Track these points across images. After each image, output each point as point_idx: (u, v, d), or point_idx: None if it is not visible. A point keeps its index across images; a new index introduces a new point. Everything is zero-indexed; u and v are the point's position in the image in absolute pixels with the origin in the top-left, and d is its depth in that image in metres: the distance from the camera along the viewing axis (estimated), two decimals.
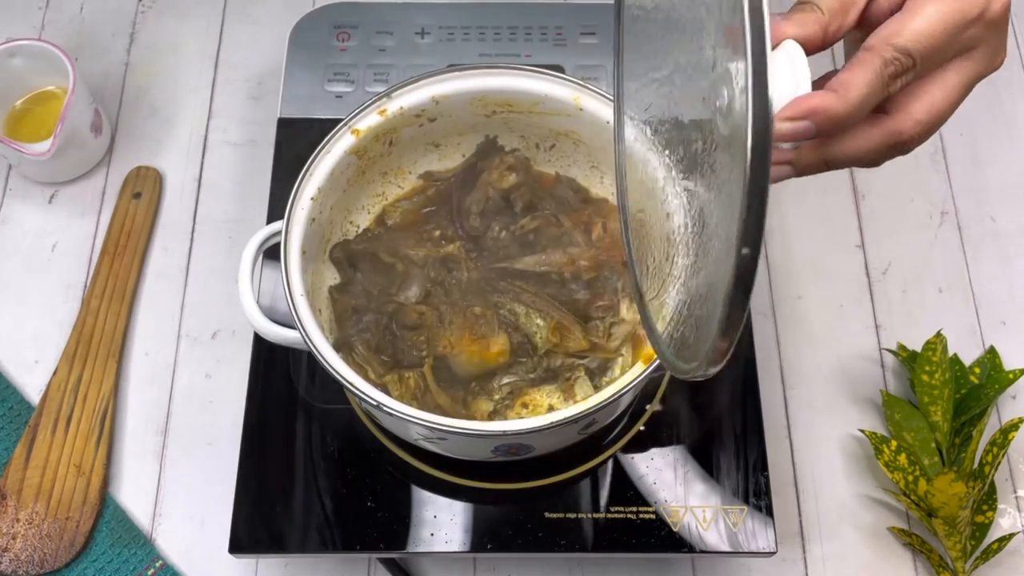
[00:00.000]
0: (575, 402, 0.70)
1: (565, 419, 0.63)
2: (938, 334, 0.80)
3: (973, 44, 0.49)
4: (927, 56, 0.47)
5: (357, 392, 0.64)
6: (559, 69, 0.91)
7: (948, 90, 0.49)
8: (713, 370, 0.45)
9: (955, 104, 0.50)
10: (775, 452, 0.82)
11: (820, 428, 0.84)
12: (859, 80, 0.46)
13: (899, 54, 0.46)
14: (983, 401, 0.80)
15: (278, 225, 0.70)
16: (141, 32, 1.01)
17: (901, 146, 0.50)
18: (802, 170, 0.50)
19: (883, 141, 0.49)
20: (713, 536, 0.73)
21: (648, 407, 0.79)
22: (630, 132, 0.58)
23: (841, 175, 0.95)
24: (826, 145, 0.49)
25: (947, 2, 0.47)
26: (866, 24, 0.49)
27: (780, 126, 0.46)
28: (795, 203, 0.93)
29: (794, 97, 0.46)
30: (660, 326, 0.54)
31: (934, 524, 0.76)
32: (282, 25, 0.93)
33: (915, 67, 0.47)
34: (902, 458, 0.78)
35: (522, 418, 0.71)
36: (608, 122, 0.73)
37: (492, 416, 0.72)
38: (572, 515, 0.74)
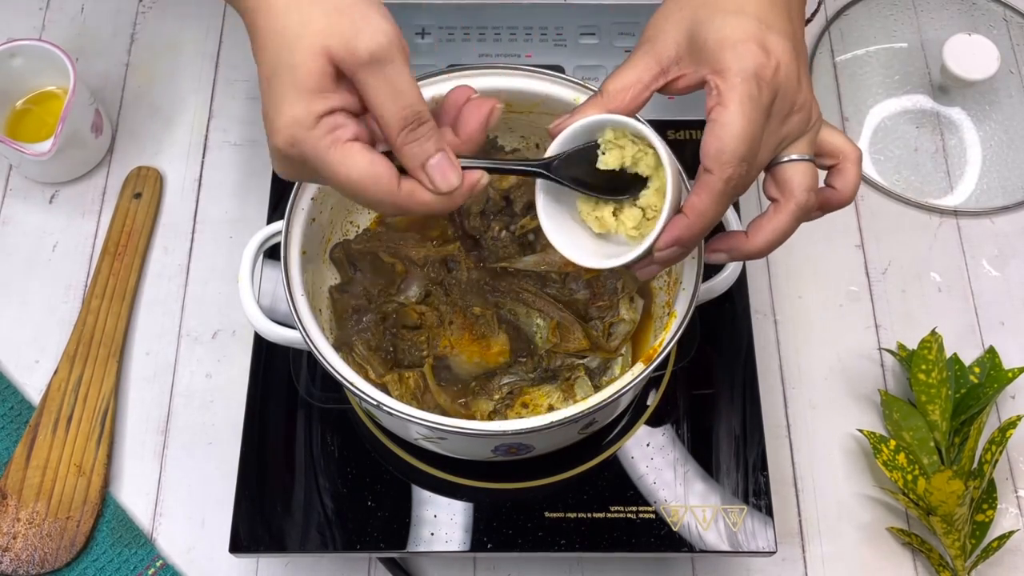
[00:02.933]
0: (575, 402, 0.70)
1: (565, 419, 0.63)
2: (933, 332, 0.80)
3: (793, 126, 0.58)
4: (752, 152, 0.55)
5: (357, 392, 0.64)
6: (559, 69, 0.91)
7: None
8: None
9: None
10: (775, 452, 0.82)
11: (820, 428, 0.84)
12: (706, 204, 0.55)
13: (732, 167, 0.54)
14: (982, 400, 0.80)
15: (278, 225, 0.70)
16: (141, 32, 1.01)
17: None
18: (668, 266, 0.62)
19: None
20: (713, 536, 0.73)
21: (648, 407, 0.79)
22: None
23: None
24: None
25: (741, 102, 0.54)
26: (668, 93, 0.60)
27: (658, 255, 0.57)
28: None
29: (660, 227, 0.56)
30: None
31: (933, 523, 0.76)
32: None
33: (749, 167, 0.55)
34: (901, 457, 0.78)
35: (522, 418, 0.71)
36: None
37: (492, 416, 0.72)
38: (572, 515, 0.74)
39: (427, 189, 0.54)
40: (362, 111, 0.54)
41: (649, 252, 0.58)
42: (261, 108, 0.54)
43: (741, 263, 0.72)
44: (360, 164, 0.52)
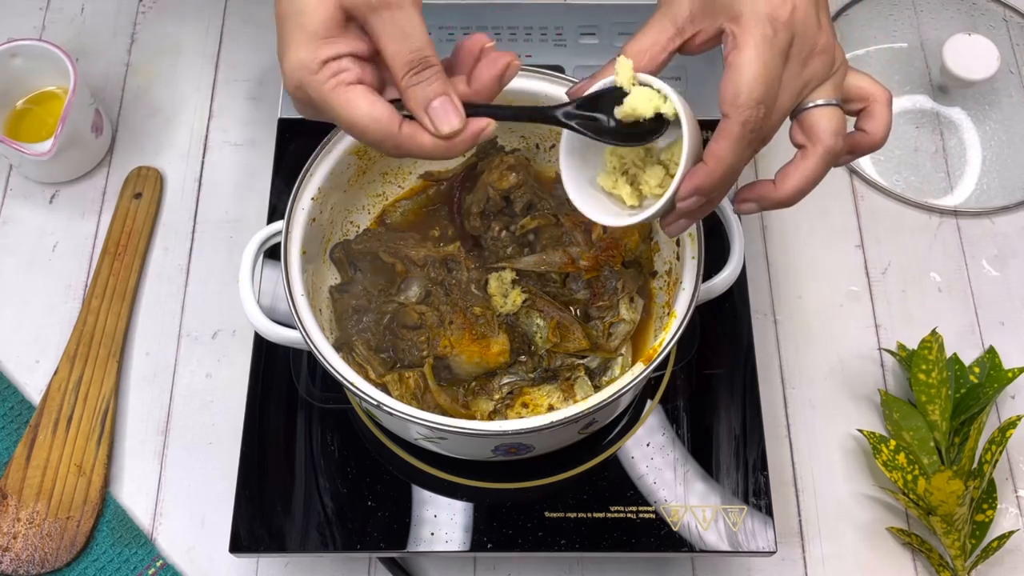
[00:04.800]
0: (575, 402, 0.70)
1: (565, 419, 0.63)
2: (933, 332, 0.80)
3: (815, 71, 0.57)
4: (769, 95, 0.55)
5: (357, 392, 0.64)
6: (559, 69, 0.91)
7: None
8: None
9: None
10: (775, 452, 0.82)
11: (820, 428, 0.84)
12: (725, 150, 0.55)
13: (748, 110, 0.54)
14: (982, 400, 0.80)
15: (278, 225, 0.70)
16: (142, 32, 1.01)
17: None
18: (696, 218, 0.61)
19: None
20: (713, 536, 0.73)
21: (648, 406, 0.79)
22: None
23: (841, 175, 0.95)
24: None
25: (756, 44, 0.54)
26: (688, 52, 0.60)
27: (680, 205, 0.57)
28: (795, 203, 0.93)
29: (680, 176, 0.56)
30: None
31: (933, 522, 0.76)
32: None
33: (768, 111, 0.55)
34: (901, 457, 0.78)
35: (522, 418, 0.71)
36: None
37: (492, 416, 0.72)
38: (572, 515, 0.74)
39: (428, 132, 0.54)
40: (372, 56, 0.55)
41: (672, 204, 0.57)
42: (276, 47, 0.55)
43: (741, 262, 0.72)
44: (361, 106, 0.53)
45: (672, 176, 0.58)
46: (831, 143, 0.57)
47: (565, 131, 0.60)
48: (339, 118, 0.54)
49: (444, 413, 0.70)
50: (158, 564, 0.79)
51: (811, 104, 0.58)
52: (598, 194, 0.62)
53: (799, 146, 0.59)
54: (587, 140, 0.59)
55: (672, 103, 0.57)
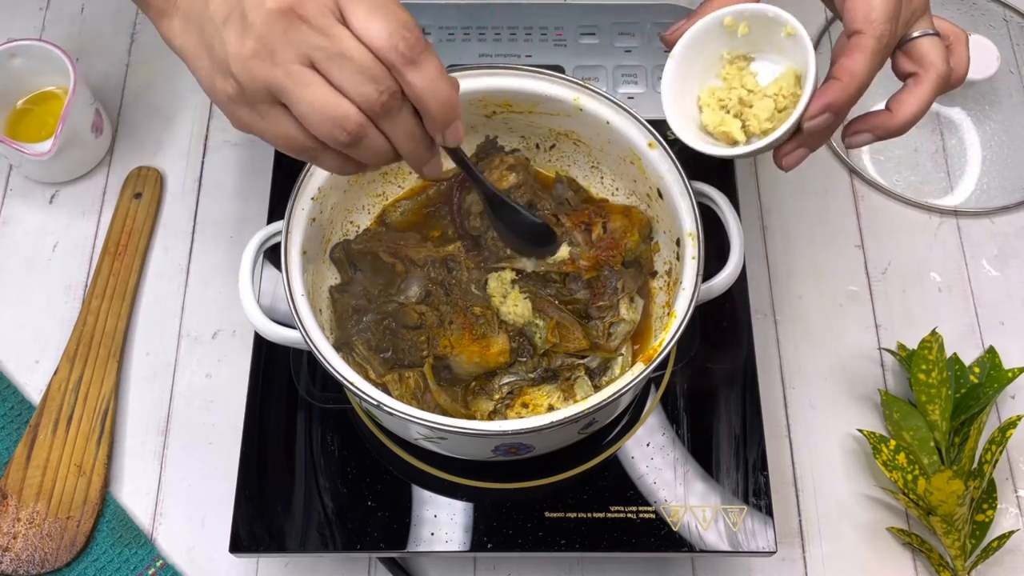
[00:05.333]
0: (575, 402, 0.70)
1: (565, 419, 0.63)
2: (933, 332, 0.80)
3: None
4: (897, 11, 0.57)
5: (357, 391, 0.64)
6: (559, 69, 0.91)
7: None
8: None
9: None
10: (775, 452, 0.82)
11: (820, 428, 0.84)
12: (860, 65, 0.56)
13: (883, 24, 0.56)
14: (982, 400, 0.80)
15: (278, 225, 0.70)
16: (142, 32, 1.01)
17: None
18: (818, 144, 0.62)
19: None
20: (713, 536, 0.73)
21: (648, 406, 0.79)
22: None
23: (841, 175, 0.95)
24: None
25: None
26: None
27: (808, 124, 0.58)
28: (795, 203, 0.93)
29: (809, 93, 0.57)
30: None
31: (933, 522, 0.76)
32: None
33: (894, 28, 0.57)
34: (901, 457, 0.78)
35: (522, 418, 0.71)
36: (608, 122, 0.73)
37: (492, 416, 0.72)
38: (572, 515, 0.74)
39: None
40: None
41: (797, 126, 0.59)
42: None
43: (741, 262, 0.72)
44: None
45: (781, 111, 0.60)
46: (943, 68, 0.60)
47: (668, 63, 0.63)
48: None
49: (444, 413, 0.70)
50: (158, 564, 0.79)
51: (918, 33, 0.60)
52: (703, 134, 0.64)
53: (909, 74, 0.61)
54: (691, 72, 0.63)
55: (790, 25, 0.59)
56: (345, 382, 0.64)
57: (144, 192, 0.92)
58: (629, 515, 0.74)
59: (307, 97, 0.52)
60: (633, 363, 0.71)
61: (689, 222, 0.69)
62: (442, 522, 0.74)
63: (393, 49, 0.52)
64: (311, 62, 0.52)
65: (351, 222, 0.79)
